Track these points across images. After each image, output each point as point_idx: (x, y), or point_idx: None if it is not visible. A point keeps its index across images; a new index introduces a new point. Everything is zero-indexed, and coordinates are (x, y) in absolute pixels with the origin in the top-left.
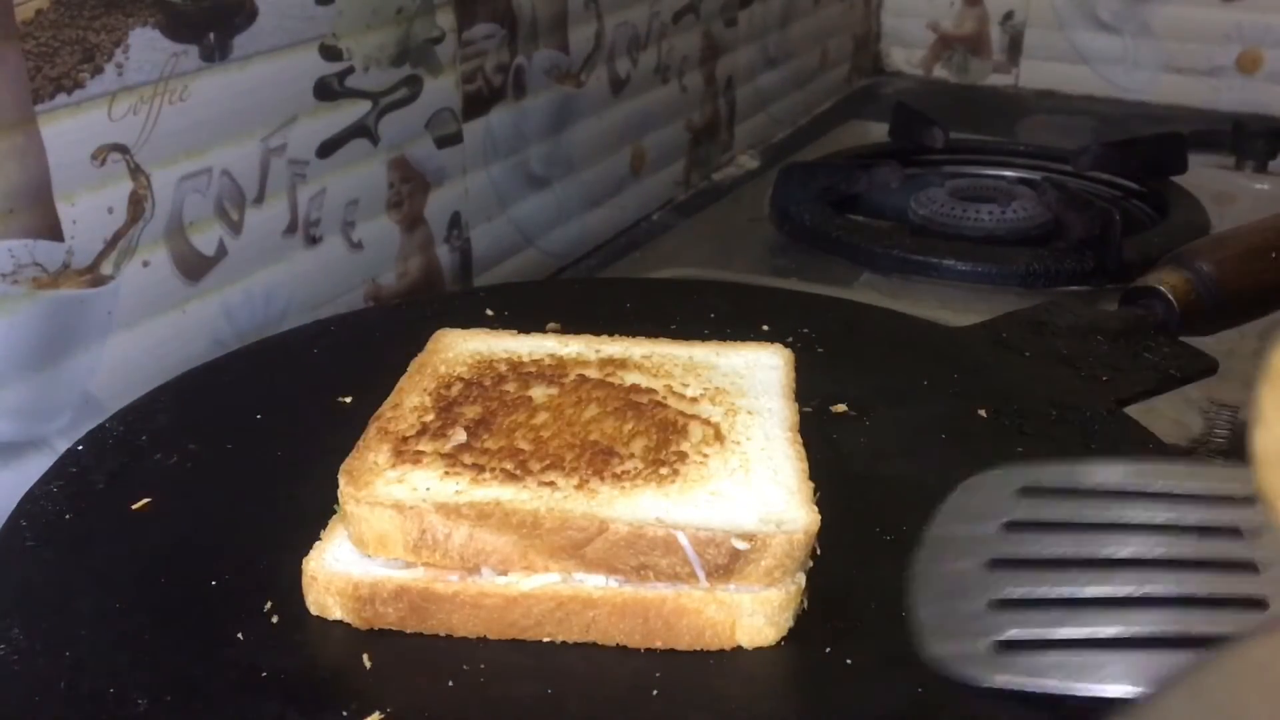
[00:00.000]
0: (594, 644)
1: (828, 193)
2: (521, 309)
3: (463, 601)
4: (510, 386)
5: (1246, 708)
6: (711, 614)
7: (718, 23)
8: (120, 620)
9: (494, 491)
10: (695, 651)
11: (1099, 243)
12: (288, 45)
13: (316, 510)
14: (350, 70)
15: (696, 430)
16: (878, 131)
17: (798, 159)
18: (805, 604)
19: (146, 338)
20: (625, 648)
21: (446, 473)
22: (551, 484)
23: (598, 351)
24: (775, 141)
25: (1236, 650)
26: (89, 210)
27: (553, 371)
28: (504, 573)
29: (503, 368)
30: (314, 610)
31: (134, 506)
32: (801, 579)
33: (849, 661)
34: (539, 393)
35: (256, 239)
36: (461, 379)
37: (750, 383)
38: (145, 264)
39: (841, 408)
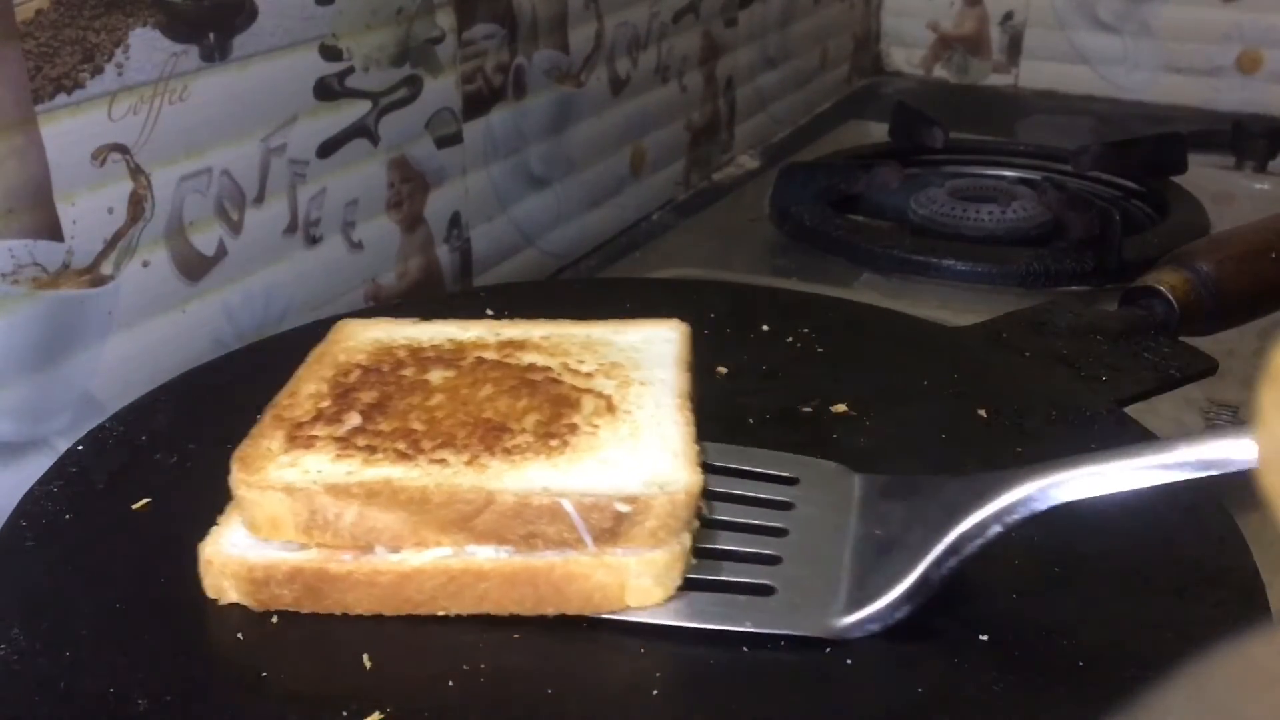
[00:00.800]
0: (594, 644)
1: (828, 193)
2: (521, 309)
3: (356, 580)
4: (408, 371)
5: (1246, 708)
6: (600, 578)
7: (718, 23)
8: (120, 620)
9: (384, 471)
10: (696, 651)
11: (1099, 243)
12: (288, 45)
13: None
14: (350, 70)
15: (589, 403)
16: (878, 131)
17: (798, 159)
18: (693, 562)
19: (146, 338)
20: (625, 649)
21: (339, 455)
22: (442, 461)
23: (497, 335)
24: (775, 141)
25: (1236, 650)
26: (89, 210)
27: (451, 355)
28: (396, 550)
29: (402, 354)
30: (211, 594)
31: (134, 506)
32: (687, 540)
33: (849, 661)
34: (436, 376)
35: (256, 239)
36: (360, 366)
37: (645, 356)
38: (145, 264)
39: (841, 408)
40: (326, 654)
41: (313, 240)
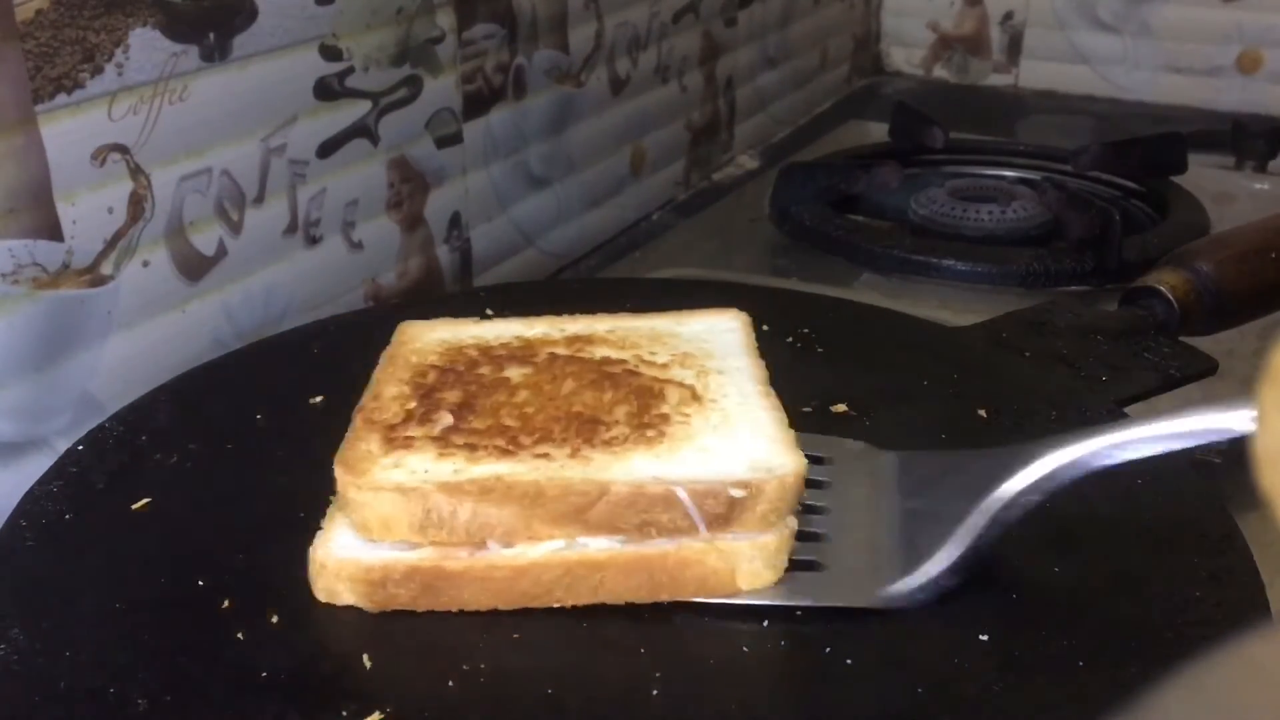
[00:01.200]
0: (594, 644)
1: (828, 193)
2: (521, 309)
3: (473, 576)
4: (485, 370)
5: (1246, 708)
6: (713, 563)
7: (718, 23)
8: (120, 620)
9: (492, 468)
10: (695, 652)
11: (1099, 243)
12: (288, 45)
13: (317, 510)
14: (350, 70)
15: (673, 393)
16: (878, 131)
17: (798, 159)
18: (795, 545)
19: (146, 338)
20: (625, 649)
21: (440, 454)
22: (545, 455)
23: (563, 330)
24: (775, 141)
25: (1236, 650)
26: (89, 210)
27: (523, 352)
28: (509, 545)
29: (473, 353)
30: (323, 597)
31: (134, 506)
32: (793, 522)
33: (849, 661)
34: (514, 373)
35: (256, 239)
36: (435, 366)
37: (714, 346)
38: (145, 264)
39: (841, 408)
40: (326, 654)
41: (313, 240)
